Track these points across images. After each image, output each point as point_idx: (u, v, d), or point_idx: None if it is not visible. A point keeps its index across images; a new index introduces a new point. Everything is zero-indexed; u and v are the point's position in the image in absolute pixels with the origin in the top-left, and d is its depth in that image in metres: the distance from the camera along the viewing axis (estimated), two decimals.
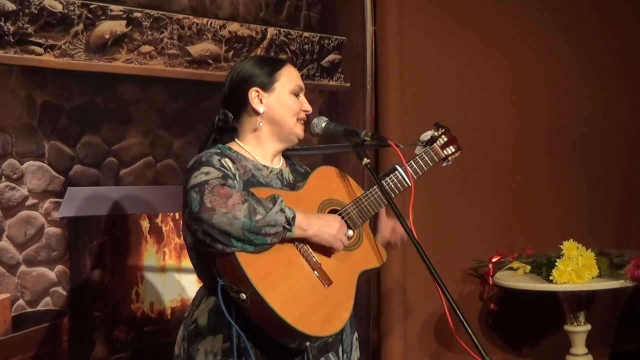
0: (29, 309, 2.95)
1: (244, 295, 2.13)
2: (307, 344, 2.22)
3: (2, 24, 2.88)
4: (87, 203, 3.13)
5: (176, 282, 3.41)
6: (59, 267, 3.04)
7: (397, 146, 2.55)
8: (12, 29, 2.90)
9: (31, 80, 2.97)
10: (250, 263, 2.15)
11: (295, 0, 3.89)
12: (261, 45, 3.72)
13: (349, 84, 4.15)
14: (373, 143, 2.51)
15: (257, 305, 2.14)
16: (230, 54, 3.59)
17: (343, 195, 2.46)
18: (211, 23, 3.52)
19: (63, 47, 3.04)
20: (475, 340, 2.12)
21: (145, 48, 3.29)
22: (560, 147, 4.74)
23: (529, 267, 4.16)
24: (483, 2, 4.58)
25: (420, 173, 2.58)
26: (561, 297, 4.09)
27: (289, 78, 2.45)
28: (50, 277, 3.01)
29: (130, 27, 3.24)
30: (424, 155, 2.61)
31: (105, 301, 3.18)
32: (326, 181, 2.47)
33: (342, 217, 2.39)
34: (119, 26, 3.20)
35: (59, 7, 3.02)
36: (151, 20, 3.30)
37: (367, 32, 4.21)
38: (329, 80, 4.04)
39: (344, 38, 4.12)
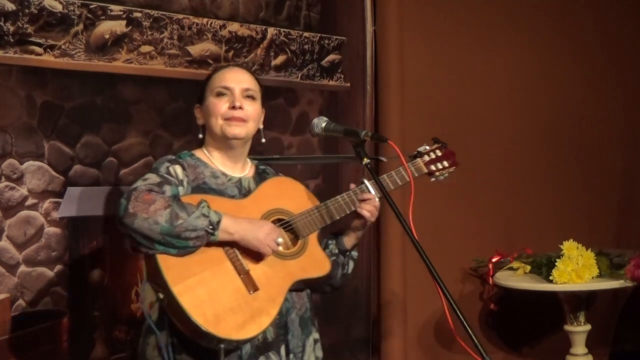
0: (28, 309, 2.95)
1: (161, 295, 2.27)
2: (221, 346, 2.27)
3: (2, 24, 2.87)
4: (87, 203, 3.12)
5: None
6: (59, 267, 3.04)
7: (380, 160, 2.61)
8: (12, 29, 2.90)
9: (31, 80, 2.97)
10: (170, 265, 2.27)
11: (295, 0, 3.89)
12: (261, 45, 3.72)
13: (349, 84, 4.15)
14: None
15: (172, 305, 2.26)
16: (231, 54, 3.59)
17: (294, 206, 2.51)
18: (211, 23, 3.52)
19: (63, 47, 3.04)
20: (475, 340, 2.12)
21: (145, 48, 3.29)
22: (561, 147, 4.74)
23: (529, 267, 4.17)
24: (483, 2, 4.58)
25: (392, 187, 2.61)
26: (561, 297, 4.09)
27: (213, 82, 2.52)
28: (50, 277, 3.01)
29: (130, 27, 3.24)
30: (400, 170, 2.63)
31: (105, 301, 3.17)
32: (278, 191, 2.53)
33: (286, 226, 2.46)
34: (119, 26, 3.20)
35: (58, 7, 3.02)
36: (151, 20, 3.30)
37: (367, 32, 4.21)
38: (329, 80, 4.04)
39: (344, 38, 4.12)
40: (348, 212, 2.55)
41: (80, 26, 3.09)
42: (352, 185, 2.58)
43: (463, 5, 4.51)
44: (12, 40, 2.90)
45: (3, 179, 2.89)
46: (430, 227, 4.02)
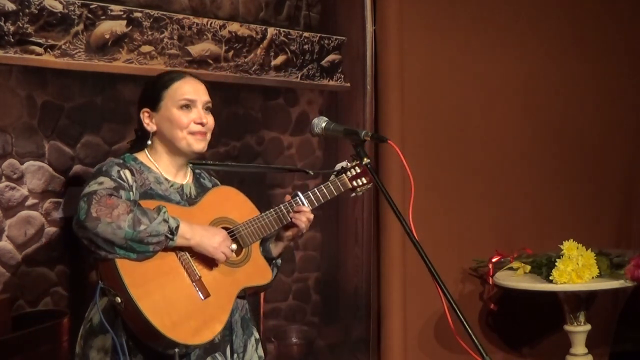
0: (29, 309, 2.95)
1: (119, 299, 2.28)
2: (176, 350, 2.31)
3: (2, 24, 2.87)
4: None
5: None
6: (59, 267, 3.03)
7: (307, 172, 2.84)
8: (12, 29, 2.90)
9: (31, 80, 2.97)
10: (129, 270, 2.29)
11: (295, 0, 3.89)
12: (261, 45, 3.72)
13: (349, 84, 4.15)
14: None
15: (130, 309, 2.28)
16: (230, 54, 3.59)
17: (237, 215, 2.57)
18: (211, 23, 3.52)
19: (63, 47, 3.04)
20: (475, 340, 2.12)
21: (146, 48, 3.29)
22: (561, 147, 4.74)
23: (529, 267, 4.17)
24: (483, 2, 4.58)
25: (322, 200, 2.67)
26: (561, 297, 4.09)
27: (176, 94, 2.50)
28: (50, 277, 3.01)
29: (131, 27, 3.24)
30: (329, 184, 2.70)
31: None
32: (223, 200, 2.58)
33: (231, 234, 2.49)
34: (119, 26, 3.20)
35: (59, 7, 3.02)
36: (151, 20, 3.30)
37: (367, 32, 4.21)
38: (329, 80, 4.04)
39: (344, 38, 4.12)
40: (285, 223, 2.60)
41: (81, 26, 3.08)
42: (288, 197, 2.65)
43: (463, 5, 4.51)
44: (12, 40, 2.90)
45: (3, 179, 2.89)
46: (430, 227, 4.02)
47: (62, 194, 3.05)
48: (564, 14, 4.77)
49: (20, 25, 2.92)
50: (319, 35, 3.99)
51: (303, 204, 2.62)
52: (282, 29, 3.82)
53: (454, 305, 2.16)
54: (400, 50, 4.26)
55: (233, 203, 2.61)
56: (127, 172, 2.42)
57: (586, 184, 4.78)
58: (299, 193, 2.64)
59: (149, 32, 3.30)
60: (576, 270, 3.91)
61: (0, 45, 2.87)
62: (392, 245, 4.19)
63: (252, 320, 2.65)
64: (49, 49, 3.00)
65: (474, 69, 4.52)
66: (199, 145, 2.51)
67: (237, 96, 3.59)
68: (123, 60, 3.22)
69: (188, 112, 2.50)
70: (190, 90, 2.53)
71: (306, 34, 3.94)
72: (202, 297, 2.40)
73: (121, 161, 2.46)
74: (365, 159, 2.47)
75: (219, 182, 2.70)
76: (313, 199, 2.64)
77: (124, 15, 3.22)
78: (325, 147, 3.99)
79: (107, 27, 3.16)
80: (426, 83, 4.41)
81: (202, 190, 2.59)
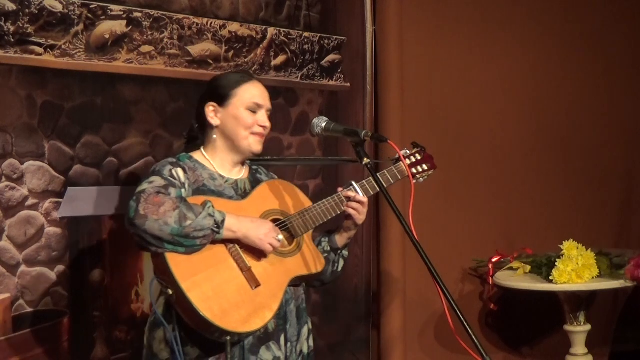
0: (29, 309, 2.95)
1: (170, 291, 2.38)
2: (227, 338, 2.39)
3: (2, 24, 2.87)
4: (87, 203, 3.13)
5: None
6: (59, 267, 3.04)
7: (377, 162, 2.75)
8: (12, 29, 2.90)
9: (31, 80, 2.97)
10: (179, 263, 2.39)
11: (295, 0, 3.89)
12: (261, 45, 3.72)
13: (349, 84, 4.15)
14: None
15: (181, 300, 2.38)
16: (231, 54, 3.59)
17: (288, 207, 2.66)
18: (211, 23, 3.52)
19: (63, 47, 3.04)
20: (475, 340, 2.12)
21: (146, 48, 3.29)
22: (561, 147, 4.74)
23: (529, 267, 4.17)
24: (482, 2, 4.58)
25: (377, 189, 2.68)
26: (561, 297, 4.09)
27: (246, 95, 2.62)
28: (50, 277, 3.01)
29: (131, 27, 3.24)
30: (385, 172, 2.76)
31: (105, 301, 3.18)
32: (274, 193, 2.67)
33: (282, 225, 2.59)
34: (119, 26, 3.20)
35: (59, 7, 3.02)
36: (151, 20, 3.30)
37: (367, 32, 4.21)
38: (329, 80, 4.05)
39: (344, 38, 4.12)
40: (339, 213, 2.67)
41: (81, 26, 3.08)
42: (340, 188, 2.71)
43: (463, 5, 4.52)
44: (12, 40, 2.90)
45: (3, 179, 2.89)
46: (430, 227, 4.02)
47: (62, 194, 3.05)
48: (566, 12, 4.77)
49: (20, 25, 2.92)
50: (319, 35, 3.99)
51: (357, 193, 2.67)
52: (282, 29, 3.82)
53: (454, 305, 2.17)
54: (400, 50, 4.26)
55: (285, 195, 2.68)
56: (180, 171, 2.53)
57: (586, 184, 4.78)
58: (354, 182, 2.69)
59: (149, 32, 3.30)
60: (576, 270, 3.91)
61: (0, 45, 2.87)
62: (392, 245, 4.20)
63: (307, 310, 2.72)
64: (49, 49, 3.00)
65: (474, 69, 4.52)
66: (258, 146, 2.64)
67: None
68: (123, 60, 3.22)
69: (254, 114, 2.61)
70: (259, 94, 2.66)
71: (306, 34, 3.94)
72: (252, 287, 2.47)
73: (174, 160, 2.57)
74: (365, 159, 2.47)
75: (275, 177, 2.80)
76: (368, 187, 2.69)
77: (124, 15, 3.22)
78: (325, 147, 3.99)
79: (107, 27, 3.16)
80: (426, 83, 4.41)
81: (257, 184, 2.68)
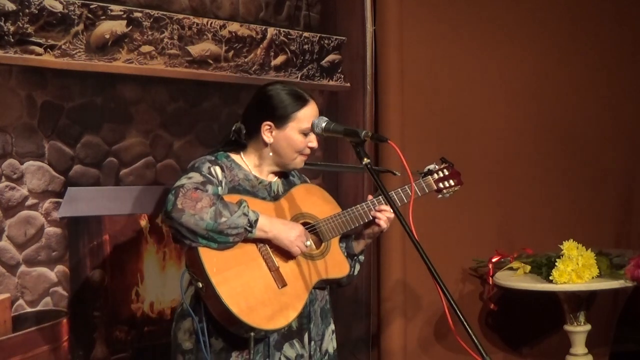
0: (29, 309, 2.95)
1: (200, 284, 2.46)
2: (252, 334, 2.47)
3: (2, 24, 2.87)
4: (87, 203, 3.13)
5: (176, 282, 3.40)
6: (59, 267, 3.04)
7: (394, 174, 2.99)
8: (12, 29, 2.90)
9: (31, 80, 2.97)
10: (211, 258, 2.46)
11: (295, 0, 3.89)
12: (261, 45, 3.72)
13: (349, 84, 4.15)
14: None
15: (211, 294, 2.45)
16: (231, 54, 3.59)
17: (319, 211, 2.71)
18: (211, 23, 3.52)
19: (63, 47, 3.04)
20: (475, 340, 2.12)
21: (146, 48, 3.29)
22: (561, 147, 4.74)
23: (529, 267, 4.17)
24: (482, 2, 4.58)
25: (405, 201, 2.77)
26: (561, 297, 4.09)
27: (303, 119, 2.63)
28: (50, 277, 3.01)
29: (131, 27, 3.24)
30: (406, 187, 2.80)
31: (105, 301, 3.18)
32: (305, 197, 2.73)
33: (311, 229, 2.65)
34: (119, 26, 3.20)
35: (59, 7, 3.02)
36: (151, 20, 3.31)
37: (367, 32, 4.21)
38: (329, 80, 4.05)
39: (344, 38, 4.12)
40: (366, 220, 2.73)
41: (81, 26, 3.09)
42: (370, 197, 2.77)
43: (463, 5, 4.51)
44: (12, 40, 2.90)
45: (3, 179, 2.89)
46: (430, 227, 4.02)
47: (62, 194, 3.05)
48: (567, 13, 4.77)
49: (20, 25, 2.92)
50: (319, 35, 3.99)
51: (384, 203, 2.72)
52: (282, 29, 3.82)
53: (454, 305, 2.17)
54: (400, 50, 4.26)
55: (315, 200, 2.75)
56: (218, 169, 2.59)
57: (586, 184, 4.78)
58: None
59: (149, 32, 3.30)
60: (576, 270, 3.91)
61: (0, 45, 2.87)
62: (392, 245, 4.20)
63: (331, 312, 2.80)
64: (48, 49, 3.00)
65: (474, 69, 4.52)
66: (302, 164, 2.70)
67: (237, 96, 3.59)
68: (123, 60, 3.22)
69: (305, 136, 2.65)
70: (314, 116, 2.66)
71: (306, 34, 3.94)
72: (279, 286, 2.54)
73: (213, 158, 2.63)
74: (365, 159, 2.47)
75: (308, 180, 2.86)
76: (396, 198, 2.75)
77: (124, 15, 3.22)
78: (325, 147, 3.99)
79: (107, 27, 3.17)
80: (426, 83, 4.41)
81: (289, 187, 2.73)
